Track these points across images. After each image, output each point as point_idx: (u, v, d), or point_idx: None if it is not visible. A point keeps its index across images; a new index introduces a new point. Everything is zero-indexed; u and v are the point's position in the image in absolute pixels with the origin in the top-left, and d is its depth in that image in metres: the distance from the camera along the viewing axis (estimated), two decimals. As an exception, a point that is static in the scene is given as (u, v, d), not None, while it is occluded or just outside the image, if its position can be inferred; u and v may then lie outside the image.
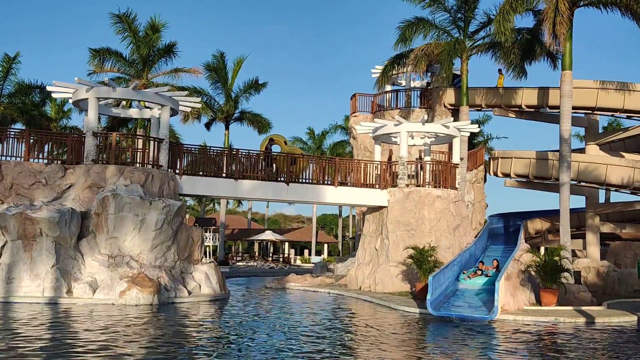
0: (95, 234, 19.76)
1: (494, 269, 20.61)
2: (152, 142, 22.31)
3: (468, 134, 28.63)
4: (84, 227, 19.73)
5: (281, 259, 58.91)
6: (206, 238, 45.30)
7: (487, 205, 35.07)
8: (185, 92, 24.62)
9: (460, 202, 26.25)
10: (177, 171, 22.78)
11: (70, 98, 22.62)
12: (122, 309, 17.11)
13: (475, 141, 43.74)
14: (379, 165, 26.46)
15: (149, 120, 26.84)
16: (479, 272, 20.70)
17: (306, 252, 67.22)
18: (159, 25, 33.93)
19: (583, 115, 32.27)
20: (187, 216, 57.03)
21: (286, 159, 24.79)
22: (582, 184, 30.61)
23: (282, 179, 24.39)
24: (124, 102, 27.12)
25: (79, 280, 18.76)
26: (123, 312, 16.25)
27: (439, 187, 25.46)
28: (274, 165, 24.84)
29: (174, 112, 23.60)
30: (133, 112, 26.40)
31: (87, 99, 21.60)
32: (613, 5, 24.91)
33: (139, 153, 22.15)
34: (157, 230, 20.00)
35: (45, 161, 21.39)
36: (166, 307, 17.94)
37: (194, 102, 25.38)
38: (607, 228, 33.27)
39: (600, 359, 11.76)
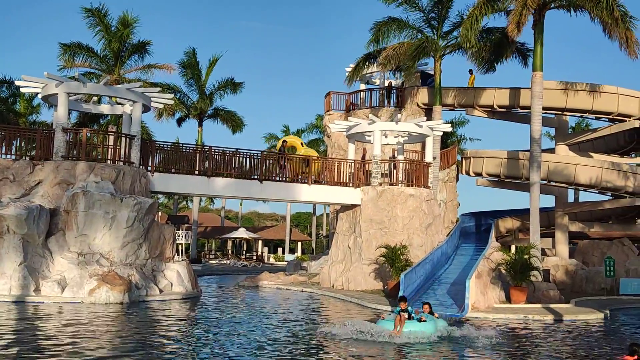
0: (64, 231, 19.45)
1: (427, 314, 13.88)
2: (123, 139, 22.03)
3: (441, 134, 28.88)
4: (53, 225, 19.40)
5: (254, 257, 58.72)
6: (178, 236, 45.05)
7: (459, 204, 35.45)
8: (158, 89, 24.38)
9: (433, 201, 26.46)
10: (149, 168, 22.55)
11: (40, 93, 22.22)
12: (91, 307, 16.87)
13: (449, 141, 44.14)
14: (353, 164, 26.53)
15: (120, 116, 26.50)
16: (406, 316, 13.06)
17: (280, 250, 67.12)
18: (130, 20, 33.53)
19: (553, 115, 32.79)
20: (160, 214, 56.45)
21: (301, 160, 25.56)
22: (552, 183, 31.10)
23: (256, 177, 24.29)
24: (95, 98, 26.70)
25: (48, 279, 18.43)
26: (92, 311, 16.02)
27: (412, 185, 25.63)
28: (288, 166, 25.26)
29: (146, 109, 23.35)
30: (104, 108, 26.05)
31: (57, 94, 21.25)
32: (582, 8, 25.33)
33: (110, 150, 21.86)
34: (128, 228, 19.77)
35: (14, 157, 20.99)
36: (137, 306, 17.73)
37: (167, 99, 25.15)
38: (575, 227, 33.86)
39: (566, 355, 11.96)
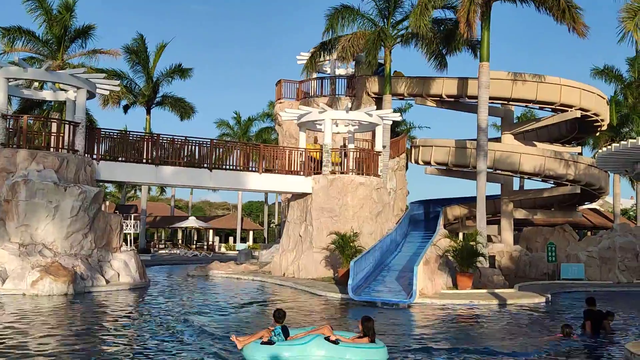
0: (4, 221, 18.80)
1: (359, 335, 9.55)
2: (67, 126, 21.37)
3: (391, 122, 29.13)
4: (-8, 215, 18.70)
5: (205, 247, 58.20)
6: (126, 226, 44.11)
7: (408, 192, 35.93)
8: (103, 75, 23.70)
9: (383, 189, 26.74)
10: (95, 156, 21.98)
11: (-23, 78, 21.25)
12: (34, 299, 16.39)
13: (398, 129, 44.63)
14: (304, 152, 26.51)
15: (64, 103, 25.71)
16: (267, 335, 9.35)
17: (231, 239, 66.70)
18: (72, 3, 32.44)
19: (500, 105, 33.53)
20: (107, 203, 55.24)
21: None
22: (498, 171, 31.88)
23: (206, 165, 24.00)
24: (36, 84, 25.79)
25: (-13, 271, 17.77)
26: (34, 303, 15.57)
27: (362, 174, 25.82)
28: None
29: (90, 95, 22.71)
30: (47, 94, 25.19)
31: (-5, 79, 20.40)
32: None
33: (53, 137, 21.18)
34: (72, 218, 19.26)
35: (-51, 145, 20.08)
36: (82, 297, 17.33)
37: (112, 85, 24.48)
38: (520, 214, 34.83)
39: (506, 336, 12.33)
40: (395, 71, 33.90)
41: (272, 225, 70.64)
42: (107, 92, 25.91)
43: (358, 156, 26.49)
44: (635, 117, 40.42)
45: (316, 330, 9.42)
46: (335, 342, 9.01)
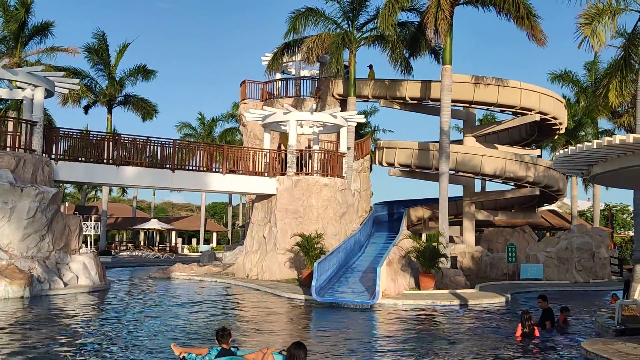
0: (-43, 223, 18.19)
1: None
2: (24, 125, 20.82)
3: (355, 124, 29.25)
4: (-56, 216, 18.09)
5: (168, 249, 57.48)
6: (86, 227, 43.23)
7: (372, 194, 36.14)
8: (62, 73, 23.17)
9: (347, 191, 26.83)
10: (53, 156, 21.47)
11: None
12: (-12, 303, 15.91)
13: (363, 131, 44.87)
14: (269, 153, 26.41)
15: (21, 101, 25.04)
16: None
17: (194, 241, 66.00)
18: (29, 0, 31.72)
19: (462, 108, 33.99)
20: (67, 204, 54.03)
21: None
22: (460, 173, 32.29)
23: (168, 166, 23.69)
24: (-8, 81, 25.09)
25: (-62, 274, 17.17)
26: (-11, 307, 15.12)
27: (327, 175, 25.87)
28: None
29: (49, 94, 22.20)
30: (3, 92, 24.49)
31: (-52, 76, 19.77)
32: (490, 4, 26.38)
33: (9, 136, 20.62)
34: (29, 219, 18.77)
35: None
36: (39, 300, 16.91)
37: (72, 84, 23.98)
38: (482, 215, 35.32)
39: (464, 335, 12.49)
40: (369, 65, 34.00)
41: (236, 226, 70.12)
42: (66, 91, 25.37)
43: (322, 157, 26.52)
44: (588, 121, 41.46)
45: (256, 353, 8.28)
46: None
